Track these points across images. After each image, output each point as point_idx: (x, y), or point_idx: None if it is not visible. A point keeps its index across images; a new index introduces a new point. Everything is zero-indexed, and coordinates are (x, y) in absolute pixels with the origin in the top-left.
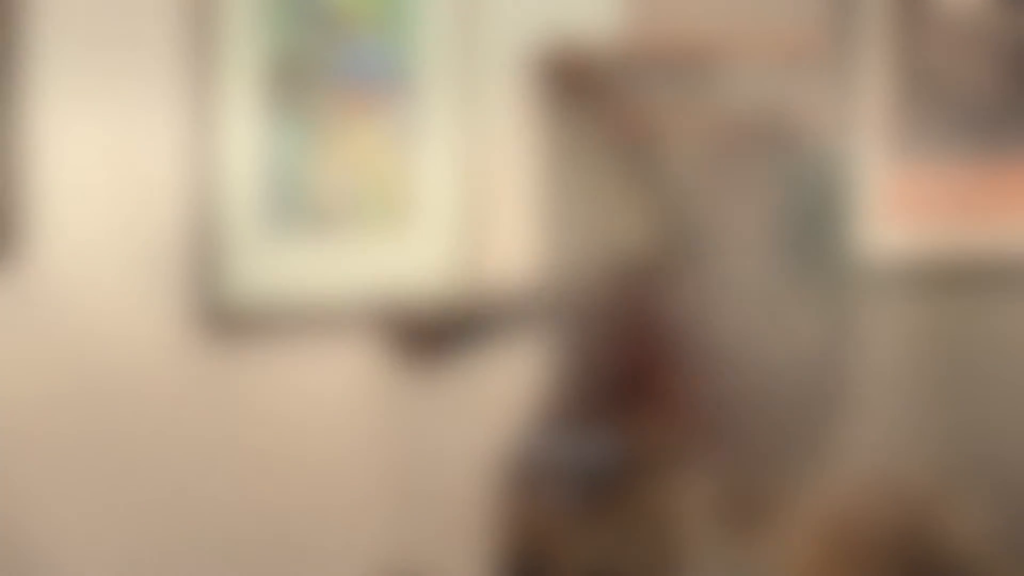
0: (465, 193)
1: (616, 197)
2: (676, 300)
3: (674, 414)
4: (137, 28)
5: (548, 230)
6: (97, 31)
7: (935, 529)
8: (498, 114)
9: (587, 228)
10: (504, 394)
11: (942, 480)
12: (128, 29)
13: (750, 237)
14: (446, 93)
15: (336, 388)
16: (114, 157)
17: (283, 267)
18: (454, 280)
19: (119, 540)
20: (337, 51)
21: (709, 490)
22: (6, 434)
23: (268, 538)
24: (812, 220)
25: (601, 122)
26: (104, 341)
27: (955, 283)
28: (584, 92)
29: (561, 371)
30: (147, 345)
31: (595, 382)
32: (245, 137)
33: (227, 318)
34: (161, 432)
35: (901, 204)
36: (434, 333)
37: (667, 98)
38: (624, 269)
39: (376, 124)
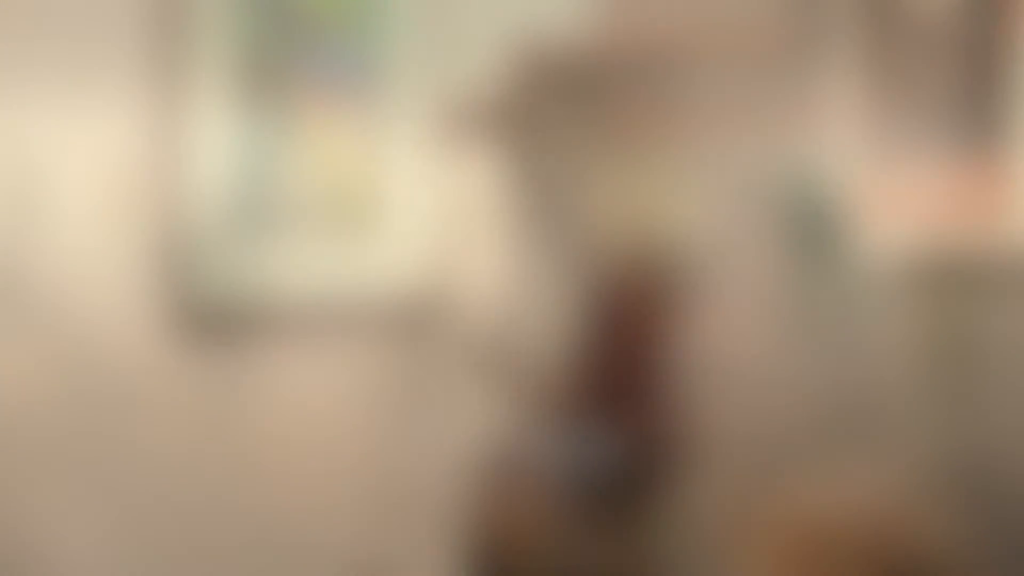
0: (437, 192)
1: (592, 197)
2: (668, 305)
3: (668, 419)
4: (114, 29)
5: (521, 228)
6: (73, 31)
7: (922, 537)
8: (471, 114)
9: (563, 228)
10: (489, 393)
11: (940, 480)
12: (104, 29)
13: (741, 239)
14: (418, 93)
15: (315, 385)
16: (93, 156)
17: (257, 266)
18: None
19: (101, 530)
20: (308, 50)
21: (701, 493)
22: None
23: (250, 534)
24: (803, 224)
25: (575, 122)
26: (83, 339)
27: (943, 281)
28: (557, 91)
29: (553, 374)
30: (125, 343)
31: (587, 385)
32: (220, 137)
33: (203, 316)
34: (140, 429)
35: (885, 206)
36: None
37: (643, 98)
38: (610, 269)
39: (347, 123)
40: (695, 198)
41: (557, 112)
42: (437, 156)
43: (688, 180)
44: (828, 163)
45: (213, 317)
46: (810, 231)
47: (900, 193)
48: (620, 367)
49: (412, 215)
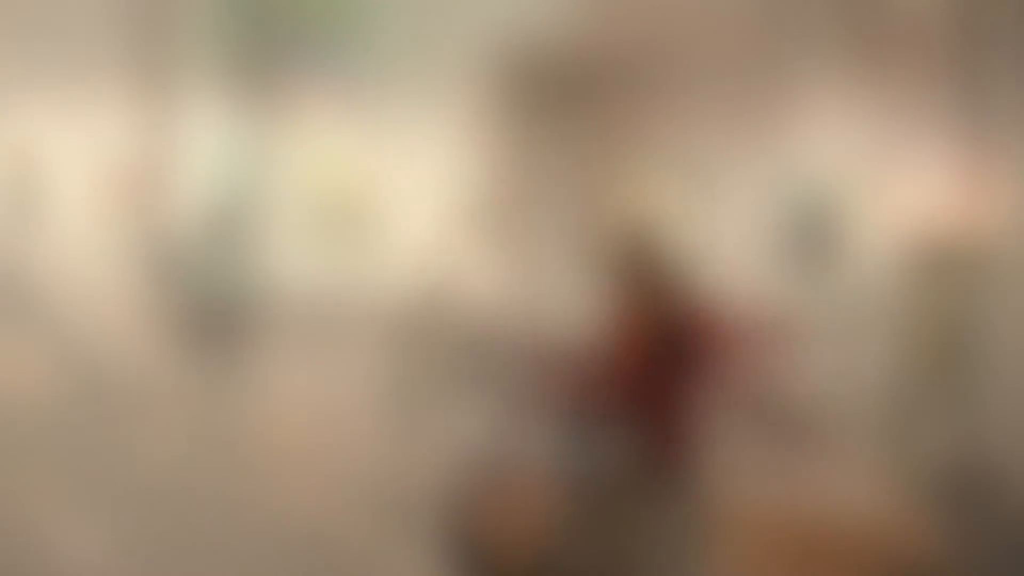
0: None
1: (580, 196)
2: (668, 304)
3: (666, 420)
4: (108, 36)
5: (511, 226)
6: (68, 39)
7: (917, 535)
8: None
9: (552, 227)
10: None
11: (937, 476)
12: (98, 36)
13: (739, 236)
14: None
15: (312, 384)
16: (91, 161)
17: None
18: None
19: (99, 526)
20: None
21: (700, 490)
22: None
23: (247, 530)
24: (800, 222)
25: (562, 121)
26: (82, 339)
27: (939, 274)
28: (545, 91)
29: (550, 374)
30: (123, 343)
31: (586, 386)
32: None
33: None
34: (138, 426)
35: (880, 204)
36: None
37: (636, 98)
38: (610, 267)
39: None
40: (692, 197)
41: (550, 111)
42: (432, 154)
43: (684, 180)
44: (823, 162)
45: (209, 317)
46: (807, 229)
47: (895, 190)
48: (617, 368)
49: (407, 214)
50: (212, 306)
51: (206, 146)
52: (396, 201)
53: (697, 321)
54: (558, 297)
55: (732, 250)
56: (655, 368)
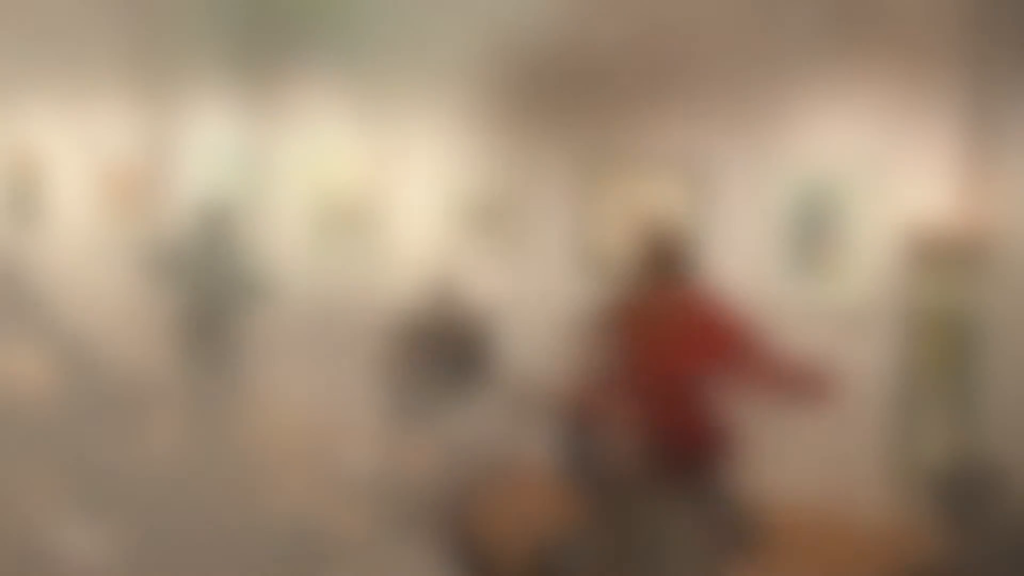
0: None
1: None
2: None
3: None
4: (110, 35)
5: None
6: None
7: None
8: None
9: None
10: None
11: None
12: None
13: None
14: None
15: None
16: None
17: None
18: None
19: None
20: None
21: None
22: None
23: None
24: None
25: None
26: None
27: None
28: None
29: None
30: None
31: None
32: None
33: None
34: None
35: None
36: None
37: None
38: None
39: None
40: (693, 195)
41: (550, 109)
42: (433, 153)
43: (685, 179)
44: (825, 160)
45: (209, 316)
46: (809, 226)
47: (897, 188)
48: (622, 366)
49: (408, 214)
50: (211, 305)
51: (206, 146)
52: (397, 200)
53: (705, 318)
54: (559, 296)
55: (733, 247)
56: (661, 365)
